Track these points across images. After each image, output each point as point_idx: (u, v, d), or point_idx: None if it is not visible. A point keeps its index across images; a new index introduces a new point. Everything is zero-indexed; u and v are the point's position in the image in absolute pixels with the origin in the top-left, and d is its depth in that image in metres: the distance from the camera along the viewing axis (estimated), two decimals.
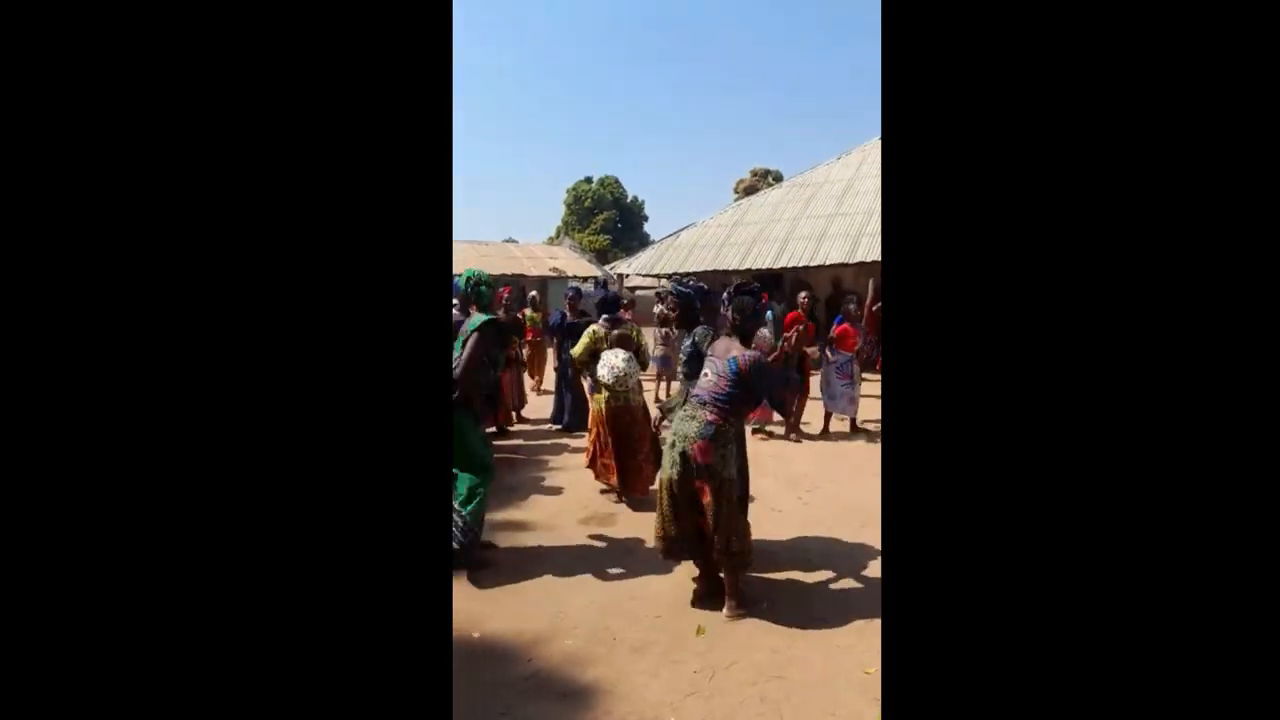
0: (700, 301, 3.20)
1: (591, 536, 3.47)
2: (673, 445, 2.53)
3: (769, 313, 5.29)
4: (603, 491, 4.07)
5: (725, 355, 2.56)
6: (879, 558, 3.24)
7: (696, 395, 2.56)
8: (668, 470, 2.54)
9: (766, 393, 2.64)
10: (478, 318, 2.92)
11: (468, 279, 3.11)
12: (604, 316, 3.87)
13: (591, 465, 3.99)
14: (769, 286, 10.65)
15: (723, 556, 2.52)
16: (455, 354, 2.81)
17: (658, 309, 9.79)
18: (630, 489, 3.82)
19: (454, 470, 2.84)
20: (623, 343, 3.79)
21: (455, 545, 2.80)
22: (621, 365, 3.68)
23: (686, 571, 2.97)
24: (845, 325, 5.55)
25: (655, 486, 2.66)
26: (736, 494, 2.56)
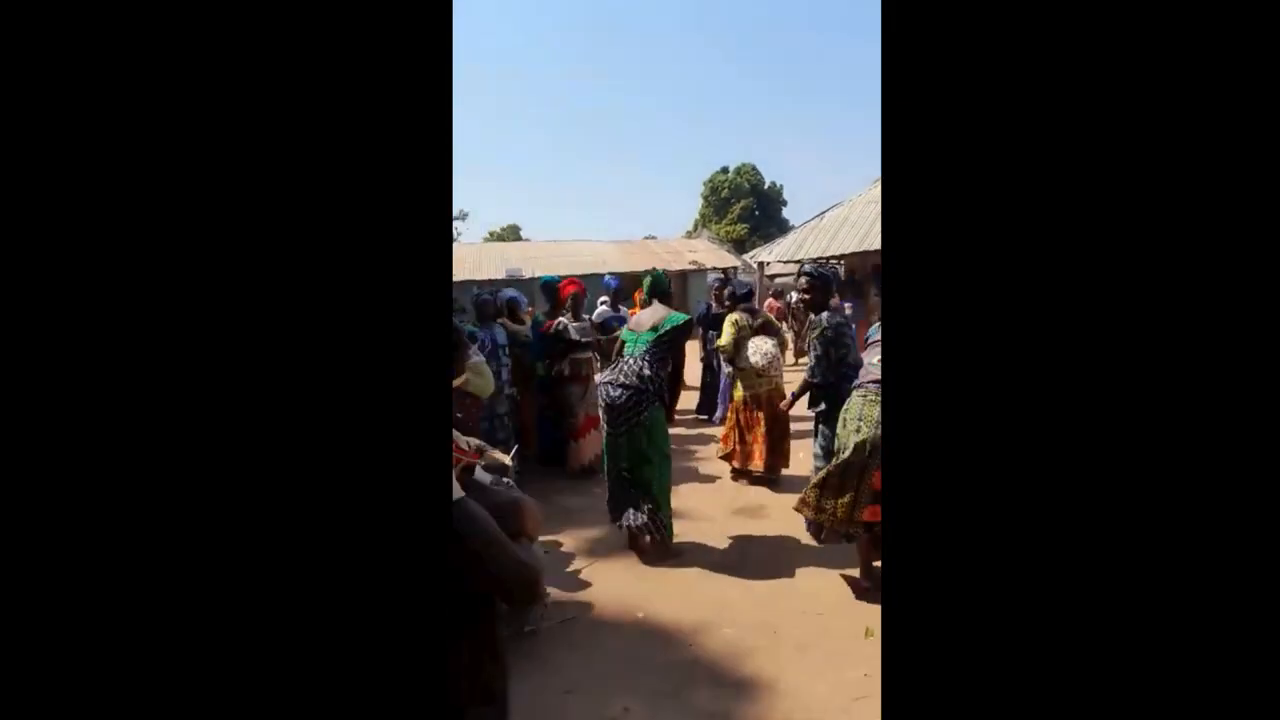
0: (834, 285, 3.20)
1: (744, 528, 3.44)
2: (858, 429, 2.46)
3: None
4: (749, 480, 4.09)
5: None
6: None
7: (874, 382, 2.51)
8: (849, 453, 2.46)
9: None
10: (675, 315, 3.09)
11: (654, 279, 3.40)
12: (742, 306, 3.98)
13: (730, 456, 4.08)
14: None
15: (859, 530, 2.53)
16: (642, 349, 2.96)
17: (793, 297, 9.38)
18: (777, 469, 3.99)
19: (650, 464, 2.96)
20: (766, 329, 3.92)
21: (654, 537, 3.00)
22: (772, 350, 3.79)
23: (842, 569, 2.82)
24: None
25: (820, 472, 2.60)
26: None
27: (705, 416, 5.88)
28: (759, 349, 3.76)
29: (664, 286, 3.40)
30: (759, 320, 3.97)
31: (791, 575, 2.87)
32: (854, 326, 3.24)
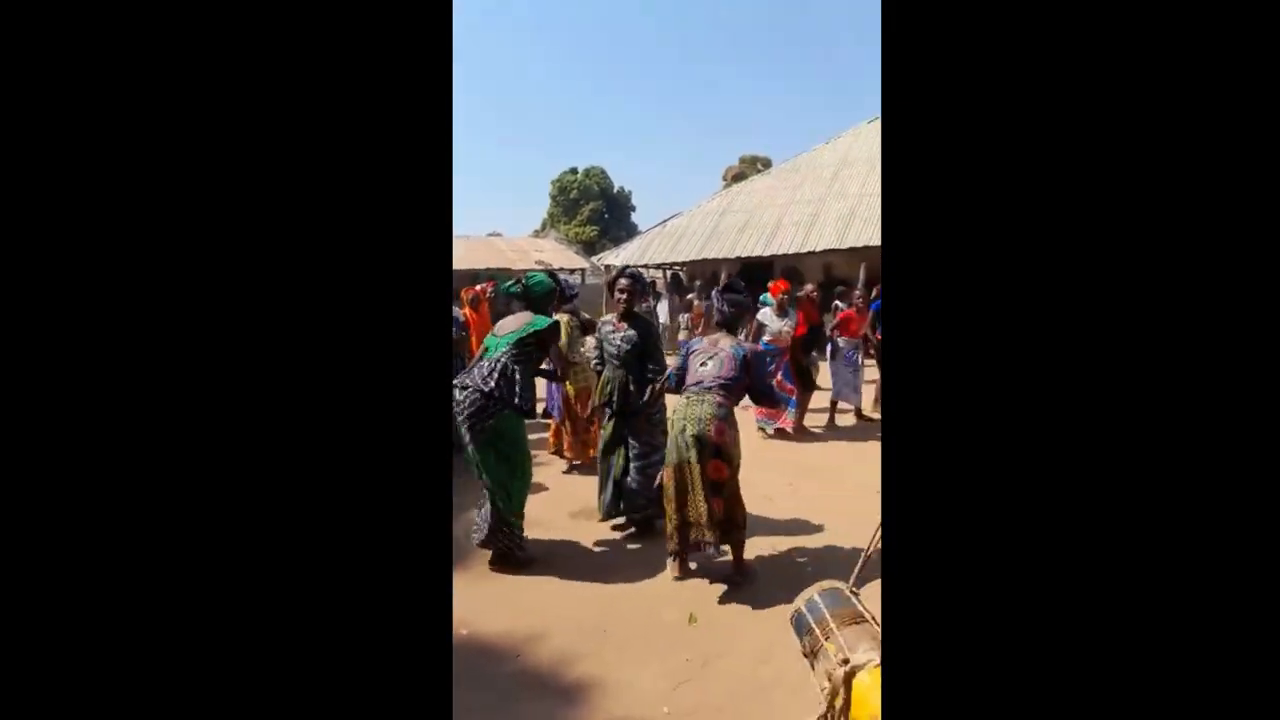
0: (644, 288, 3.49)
1: (581, 532, 3.45)
2: (683, 430, 2.62)
3: (765, 299, 5.32)
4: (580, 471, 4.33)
5: (719, 346, 2.83)
6: (865, 545, 3.24)
7: (698, 383, 2.74)
8: (680, 454, 2.62)
9: (759, 382, 2.89)
10: (542, 319, 3.01)
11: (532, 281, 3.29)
12: (566, 308, 4.22)
13: (562, 450, 4.50)
14: (760, 275, 10.62)
15: (732, 531, 2.72)
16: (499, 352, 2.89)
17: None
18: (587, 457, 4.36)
19: (499, 473, 2.85)
20: (588, 328, 4.23)
21: (514, 549, 2.94)
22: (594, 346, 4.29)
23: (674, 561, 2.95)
24: (849, 310, 5.58)
25: (663, 476, 2.75)
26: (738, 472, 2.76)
27: (546, 418, 5.83)
28: (587, 344, 4.18)
29: (540, 290, 3.24)
30: (584, 319, 4.38)
31: (624, 574, 2.93)
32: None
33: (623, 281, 3.30)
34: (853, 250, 9.48)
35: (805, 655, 1.15)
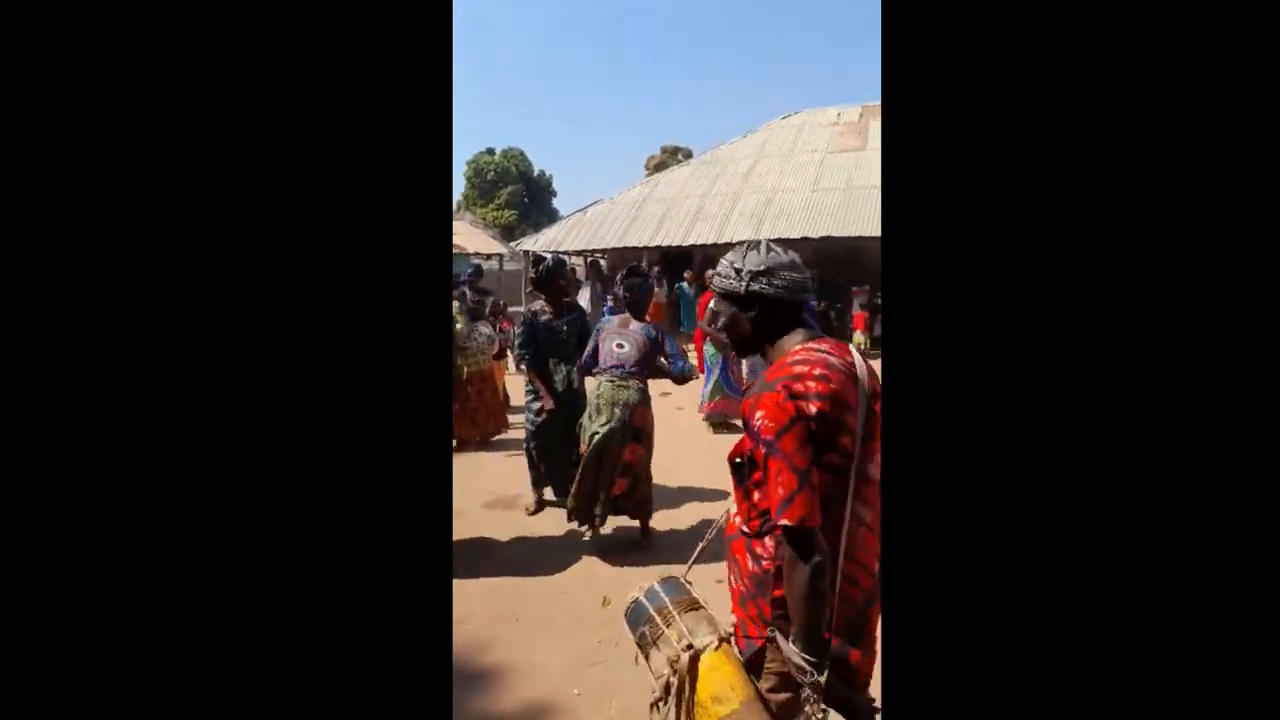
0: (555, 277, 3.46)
1: (498, 520, 3.41)
2: (611, 414, 2.76)
3: (681, 288, 5.49)
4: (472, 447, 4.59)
5: (630, 328, 2.95)
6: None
7: (618, 367, 2.85)
8: (603, 437, 2.75)
9: (667, 357, 3.06)
10: None
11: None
12: (457, 293, 4.67)
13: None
14: (679, 264, 10.82)
15: (642, 505, 2.97)
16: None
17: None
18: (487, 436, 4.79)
19: None
20: (495, 311, 5.14)
21: None
22: (487, 333, 4.79)
23: (590, 548, 2.99)
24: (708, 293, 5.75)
25: (582, 455, 2.86)
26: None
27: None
28: (482, 331, 4.75)
29: None
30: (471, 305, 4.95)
31: (539, 559, 2.93)
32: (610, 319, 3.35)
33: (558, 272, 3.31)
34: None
35: (640, 645, 1.19)
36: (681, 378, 3.04)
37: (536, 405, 3.24)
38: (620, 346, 2.88)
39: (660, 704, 1.12)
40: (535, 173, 33.82)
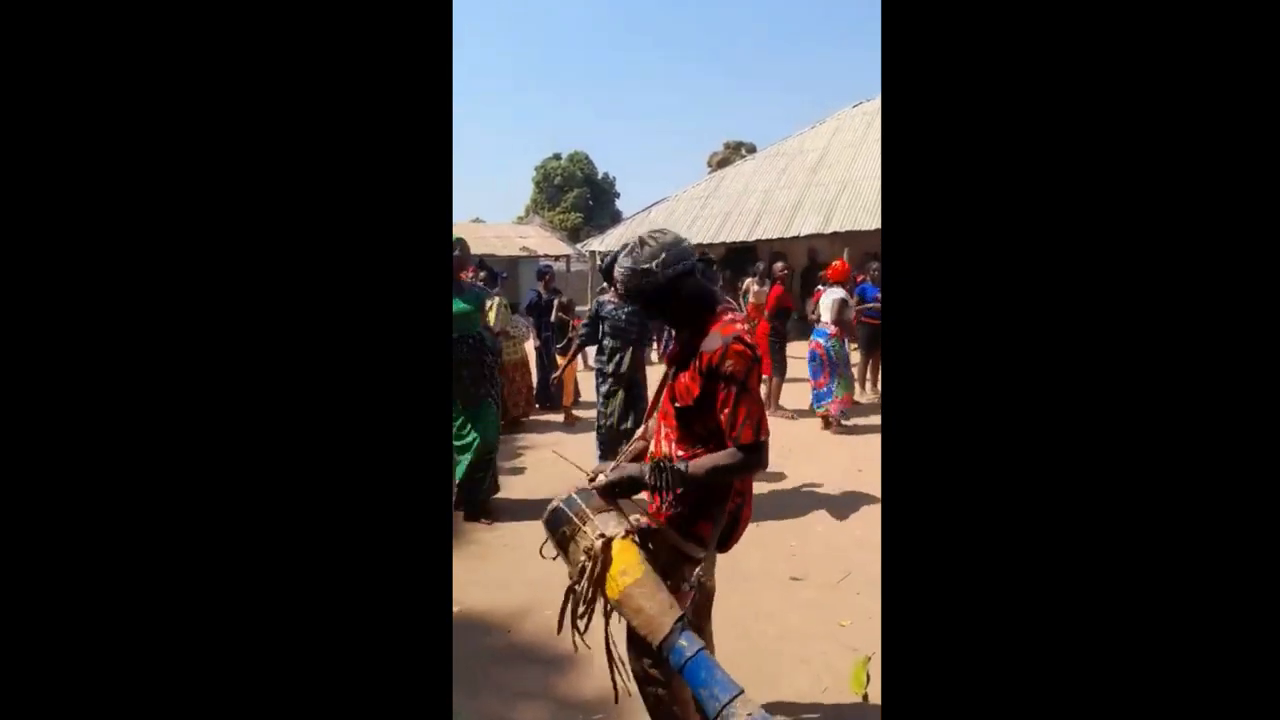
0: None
1: None
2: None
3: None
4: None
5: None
6: (843, 519, 3.30)
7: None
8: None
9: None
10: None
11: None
12: (495, 290, 4.99)
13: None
14: (744, 260, 10.65)
15: None
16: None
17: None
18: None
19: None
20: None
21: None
22: (522, 324, 5.55)
23: None
24: (776, 287, 5.42)
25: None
26: None
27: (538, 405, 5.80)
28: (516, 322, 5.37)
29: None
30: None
31: None
32: None
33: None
34: (836, 235, 9.53)
35: (559, 543, 1.43)
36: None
37: (604, 389, 3.48)
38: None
39: (576, 586, 1.38)
40: (599, 175, 34.31)
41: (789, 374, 5.56)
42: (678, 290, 1.36)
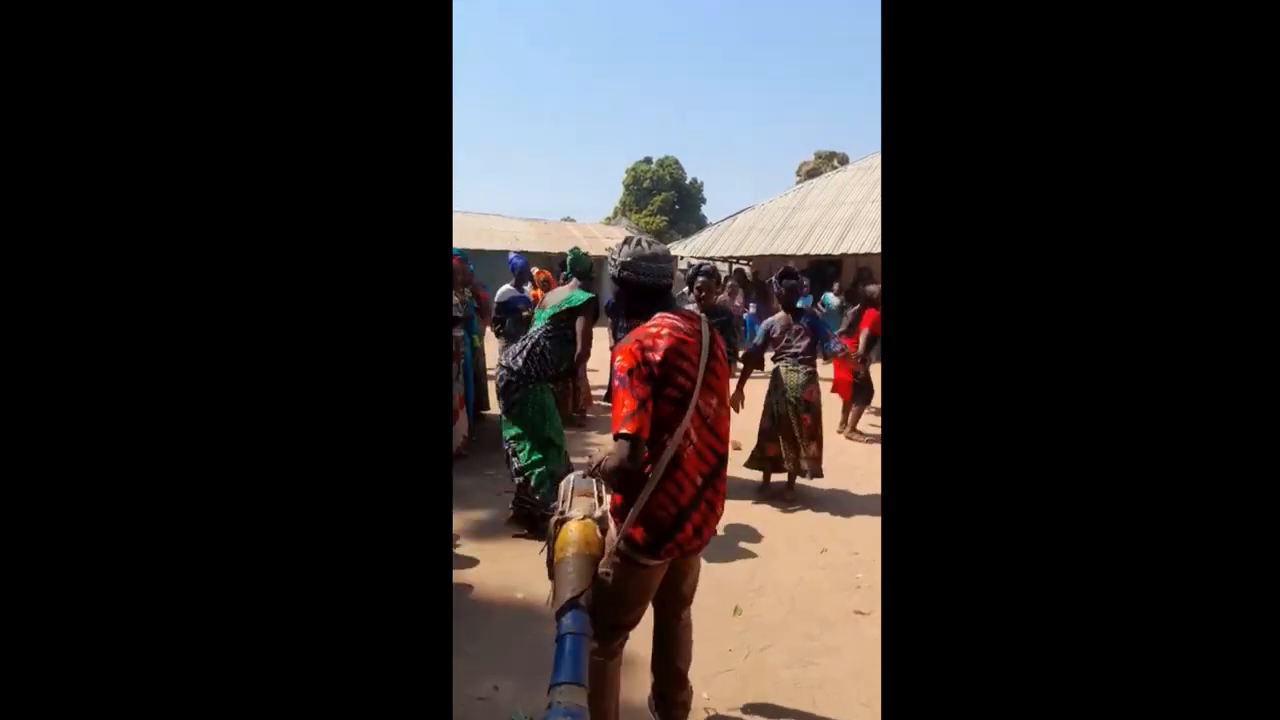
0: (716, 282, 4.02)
1: None
2: (785, 392, 3.64)
3: (826, 301, 5.30)
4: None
5: (792, 325, 3.70)
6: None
7: (794, 355, 3.67)
8: (783, 408, 3.64)
9: (821, 333, 3.84)
10: (575, 294, 3.03)
11: (574, 257, 3.53)
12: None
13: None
14: (826, 274, 10.36)
15: (809, 462, 3.70)
16: (541, 326, 2.99)
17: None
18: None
19: (527, 444, 2.99)
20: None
21: (532, 511, 3.07)
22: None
23: (722, 555, 2.99)
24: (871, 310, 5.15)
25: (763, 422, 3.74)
26: None
27: (608, 404, 5.94)
28: None
29: (582, 266, 3.47)
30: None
31: None
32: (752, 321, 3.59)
33: (699, 279, 3.67)
34: None
35: (550, 511, 1.67)
36: (830, 354, 3.92)
37: None
38: (789, 341, 3.66)
39: (540, 551, 1.66)
40: (688, 180, 34.37)
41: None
42: (629, 290, 1.54)
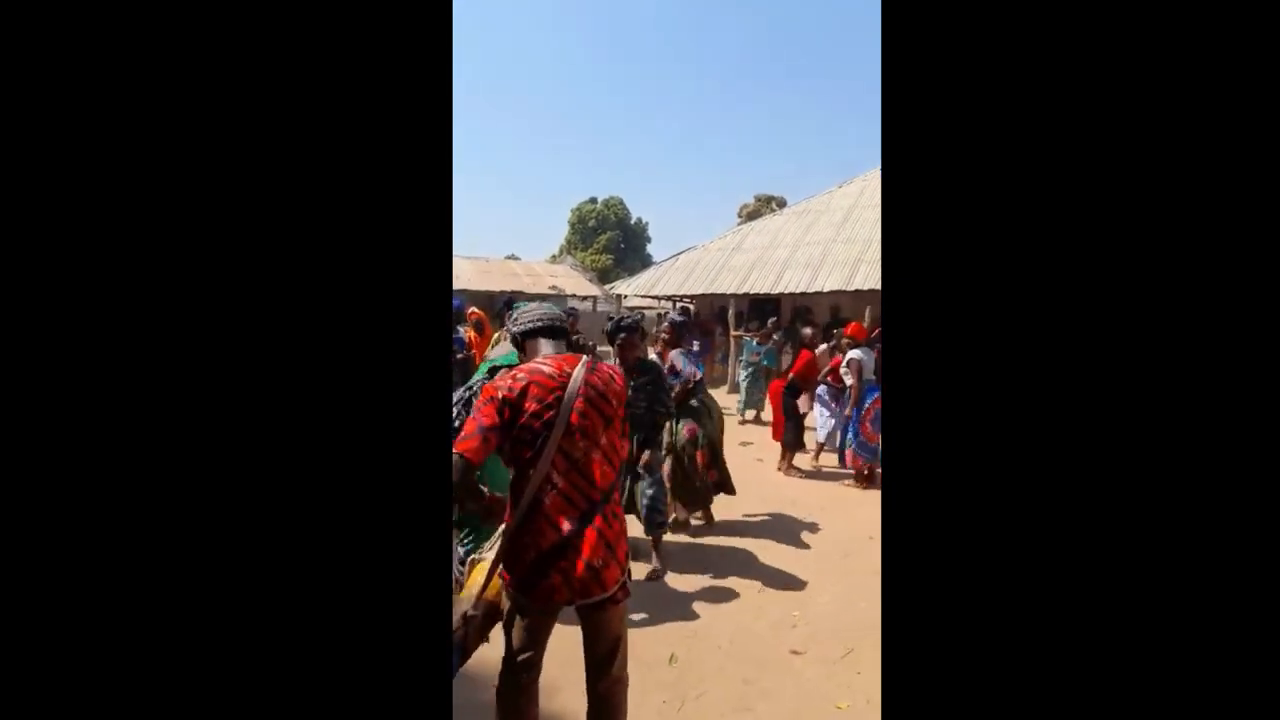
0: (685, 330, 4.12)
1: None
2: (673, 444, 3.68)
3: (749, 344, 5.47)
4: None
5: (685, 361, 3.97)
6: (850, 591, 3.24)
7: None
8: (673, 464, 3.67)
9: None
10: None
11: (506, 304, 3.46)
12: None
13: None
14: (765, 312, 10.72)
15: (714, 486, 3.91)
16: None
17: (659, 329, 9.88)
18: None
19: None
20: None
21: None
22: None
23: (657, 601, 2.97)
24: (805, 352, 5.34)
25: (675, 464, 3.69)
26: None
27: None
28: None
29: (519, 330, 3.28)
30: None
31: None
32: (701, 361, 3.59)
33: (620, 335, 3.19)
34: (859, 293, 9.56)
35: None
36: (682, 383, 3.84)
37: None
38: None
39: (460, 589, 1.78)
40: (632, 220, 35.08)
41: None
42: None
